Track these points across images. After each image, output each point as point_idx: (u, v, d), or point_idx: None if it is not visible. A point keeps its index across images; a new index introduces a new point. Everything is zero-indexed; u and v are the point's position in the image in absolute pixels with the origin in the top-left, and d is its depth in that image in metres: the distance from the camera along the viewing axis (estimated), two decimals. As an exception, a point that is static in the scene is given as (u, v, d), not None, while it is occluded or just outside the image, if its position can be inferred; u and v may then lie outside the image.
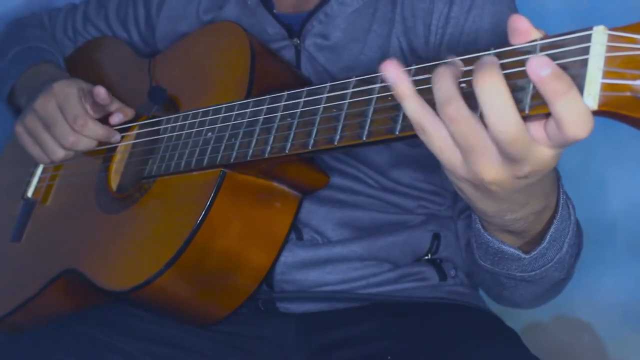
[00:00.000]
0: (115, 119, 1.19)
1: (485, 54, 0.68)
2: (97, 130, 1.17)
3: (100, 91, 1.15)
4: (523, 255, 0.84)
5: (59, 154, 1.18)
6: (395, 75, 0.67)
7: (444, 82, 0.66)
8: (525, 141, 0.63)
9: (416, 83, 0.72)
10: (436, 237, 1.15)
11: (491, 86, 0.62)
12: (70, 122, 1.16)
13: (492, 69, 0.63)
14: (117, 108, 1.20)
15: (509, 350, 1.00)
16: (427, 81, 0.71)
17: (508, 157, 0.65)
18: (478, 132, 0.65)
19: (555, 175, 0.80)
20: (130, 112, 1.21)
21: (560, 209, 0.82)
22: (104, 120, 1.19)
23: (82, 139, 1.17)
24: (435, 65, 0.70)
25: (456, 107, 0.65)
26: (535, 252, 0.84)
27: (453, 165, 0.68)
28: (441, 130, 0.67)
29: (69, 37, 1.49)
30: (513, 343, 1.04)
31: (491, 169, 0.66)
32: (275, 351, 1.10)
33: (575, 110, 0.60)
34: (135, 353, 1.02)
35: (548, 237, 0.82)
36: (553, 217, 0.82)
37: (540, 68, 0.60)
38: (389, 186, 1.14)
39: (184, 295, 1.05)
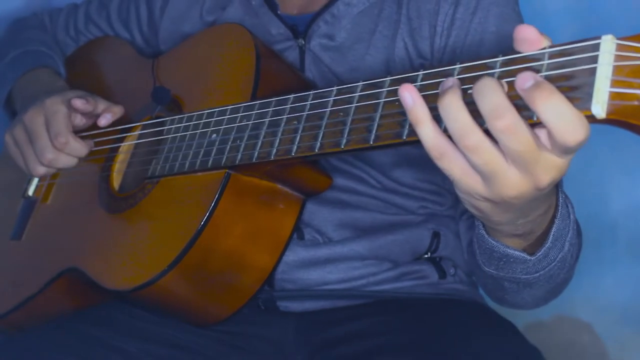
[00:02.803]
0: (102, 120, 1.18)
1: (492, 61, 0.68)
2: (79, 149, 1.16)
3: (76, 102, 1.16)
4: (529, 257, 0.85)
5: (39, 170, 1.17)
6: (414, 98, 0.66)
7: (457, 112, 0.64)
8: (535, 152, 0.63)
9: (423, 88, 0.73)
10: (436, 235, 1.15)
11: (492, 97, 0.63)
12: (52, 139, 1.15)
13: (492, 82, 0.63)
14: (104, 109, 1.19)
15: (508, 339, 1.01)
16: (434, 86, 0.72)
17: (526, 170, 0.65)
18: (498, 158, 0.64)
19: None
20: (118, 110, 1.20)
21: (560, 207, 0.82)
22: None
23: (62, 156, 1.16)
24: (441, 73, 0.70)
25: (476, 139, 0.64)
26: (540, 253, 0.84)
27: (474, 189, 0.68)
28: (460, 159, 0.66)
29: (70, 37, 1.48)
30: (511, 333, 1.05)
31: (513, 187, 0.66)
32: (276, 350, 1.10)
33: (559, 116, 0.60)
34: (135, 353, 1.02)
35: (551, 236, 0.83)
36: (554, 216, 0.82)
37: (524, 82, 0.61)
38: (390, 186, 1.14)
39: (186, 295, 1.05)
